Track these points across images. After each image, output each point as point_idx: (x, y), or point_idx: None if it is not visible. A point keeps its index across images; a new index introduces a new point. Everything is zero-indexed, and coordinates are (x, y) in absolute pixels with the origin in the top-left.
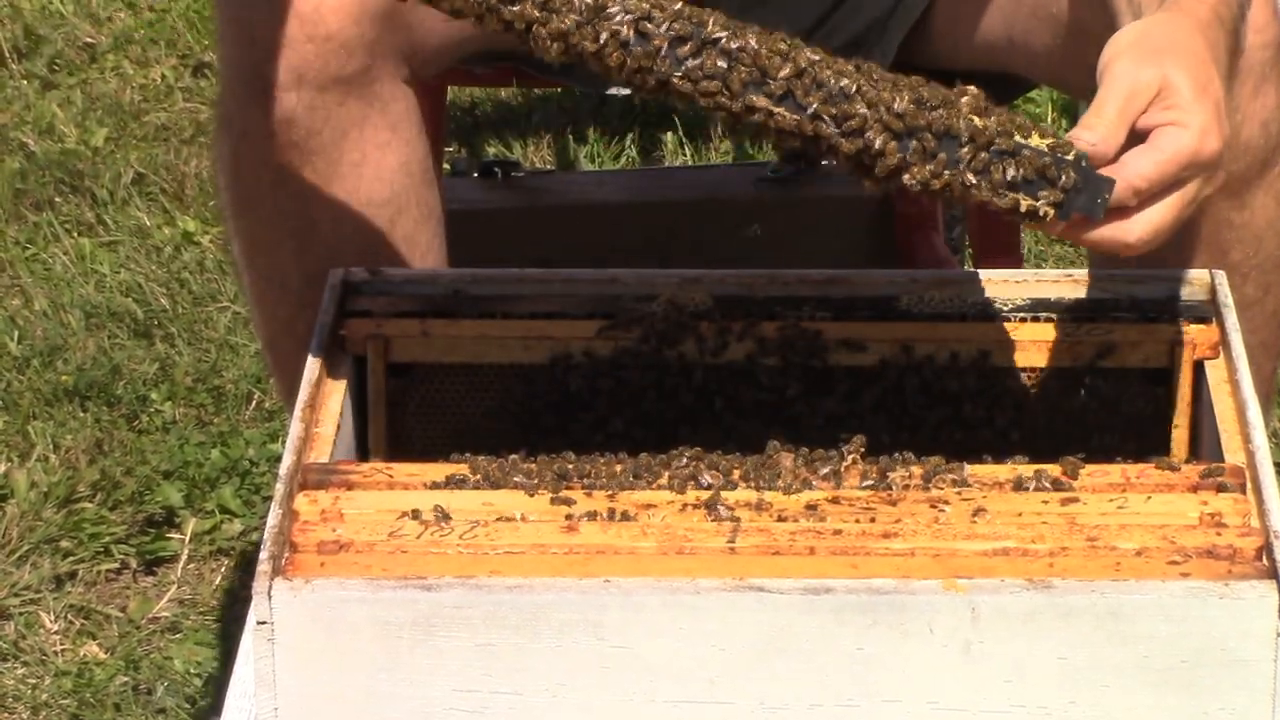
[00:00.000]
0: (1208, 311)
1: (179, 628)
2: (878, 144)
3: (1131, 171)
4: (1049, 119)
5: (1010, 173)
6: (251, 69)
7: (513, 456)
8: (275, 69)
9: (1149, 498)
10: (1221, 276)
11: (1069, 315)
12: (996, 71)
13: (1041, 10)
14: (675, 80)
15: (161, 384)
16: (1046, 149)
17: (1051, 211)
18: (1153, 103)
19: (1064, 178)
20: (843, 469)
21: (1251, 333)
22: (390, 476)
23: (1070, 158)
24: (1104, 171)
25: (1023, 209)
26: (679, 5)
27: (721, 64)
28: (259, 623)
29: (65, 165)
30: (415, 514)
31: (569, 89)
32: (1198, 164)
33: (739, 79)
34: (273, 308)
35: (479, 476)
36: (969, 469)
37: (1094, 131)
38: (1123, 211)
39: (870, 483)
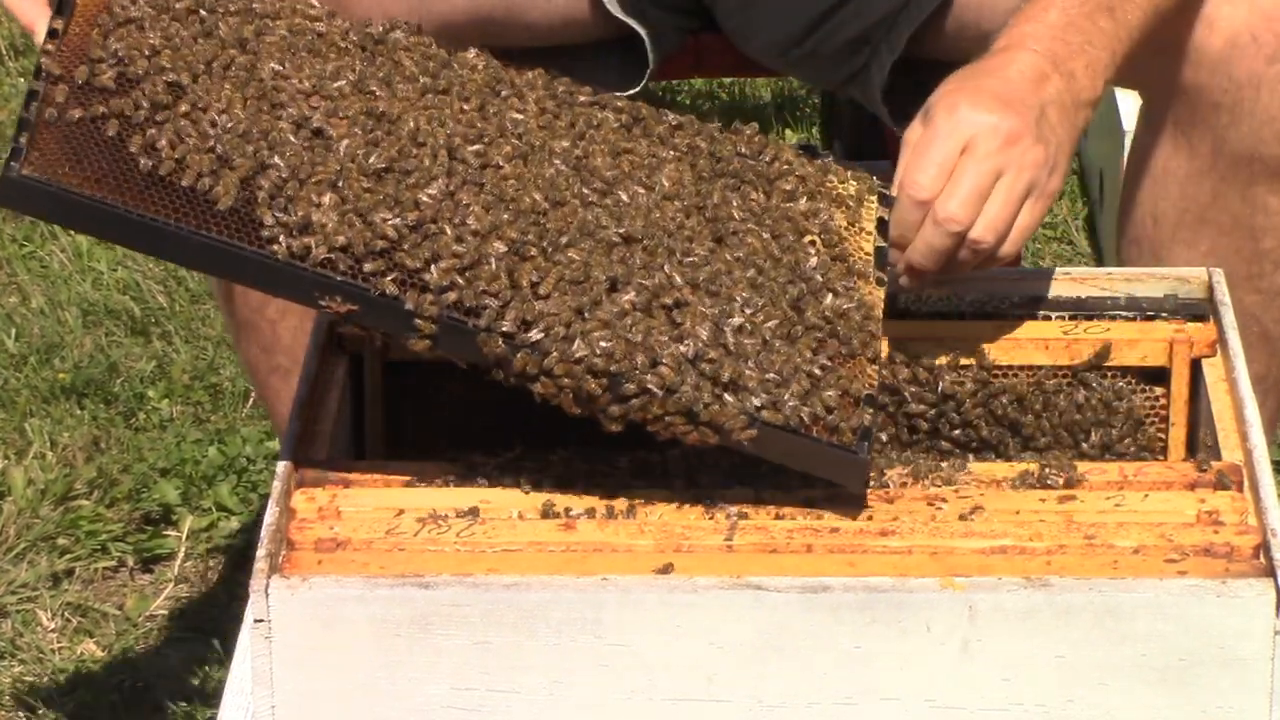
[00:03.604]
0: (1205, 309)
1: (176, 625)
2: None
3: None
4: None
5: None
6: None
7: (509, 454)
8: None
9: (1146, 496)
10: (1219, 274)
11: (1066, 313)
12: None
13: None
14: None
15: (158, 381)
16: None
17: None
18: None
19: None
20: None
21: (1278, 323)
22: (387, 474)
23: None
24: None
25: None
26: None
27: None
28: (256, 620)
29: None
30: (412, 512)
31: None
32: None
33: None
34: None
35: (476, 474)
36: (966, 467)
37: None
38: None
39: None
